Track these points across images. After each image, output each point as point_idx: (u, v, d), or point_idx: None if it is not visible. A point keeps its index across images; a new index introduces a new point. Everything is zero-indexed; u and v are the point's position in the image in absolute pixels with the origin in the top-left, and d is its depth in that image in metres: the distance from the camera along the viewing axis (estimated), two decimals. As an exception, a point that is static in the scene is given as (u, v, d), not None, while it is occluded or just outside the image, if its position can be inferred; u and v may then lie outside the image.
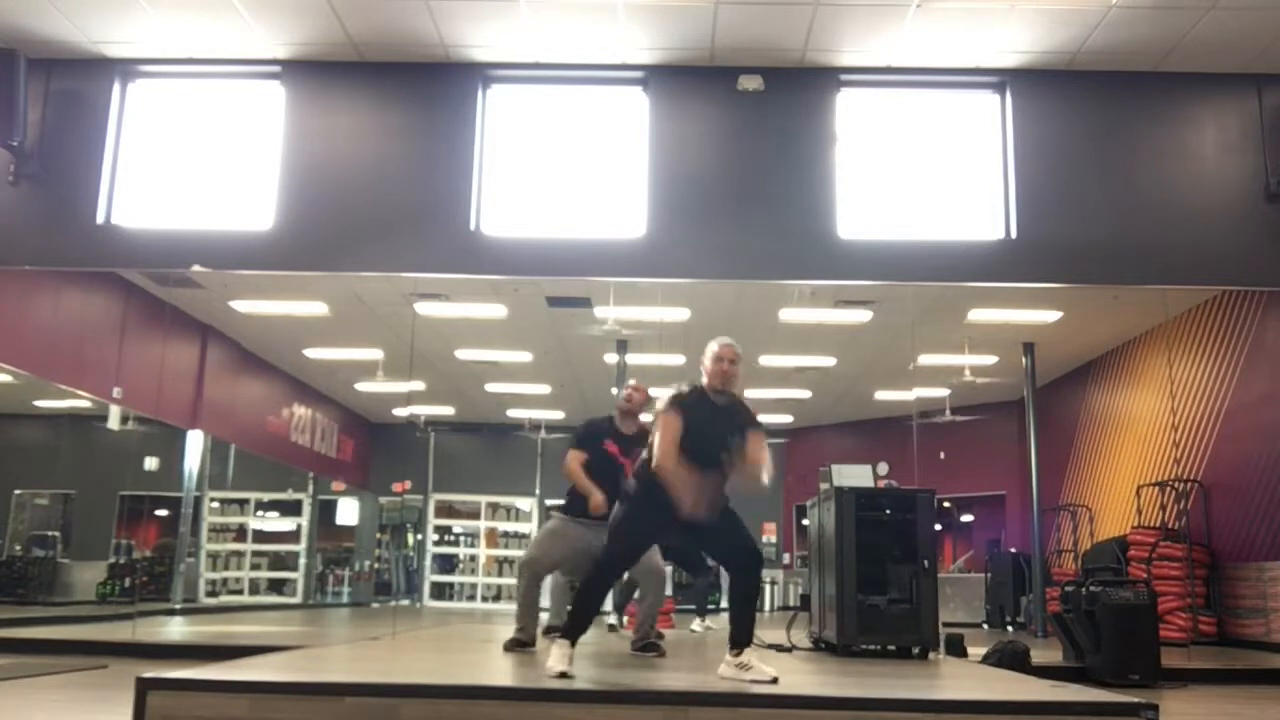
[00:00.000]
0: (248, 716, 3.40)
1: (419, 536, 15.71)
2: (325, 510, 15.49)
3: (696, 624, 8.70)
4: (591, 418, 5.87)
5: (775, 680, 3.97)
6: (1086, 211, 7.54)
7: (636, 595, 6.00)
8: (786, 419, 14.61)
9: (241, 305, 10.07)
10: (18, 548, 12.48)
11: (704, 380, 4.44)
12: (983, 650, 6.80)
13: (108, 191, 7.70)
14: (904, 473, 8.19)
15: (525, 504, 15.70)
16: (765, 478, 4.28)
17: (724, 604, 8.55)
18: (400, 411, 14.12)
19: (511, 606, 6.31)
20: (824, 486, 6.91)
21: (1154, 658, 6.63)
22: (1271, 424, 8.91)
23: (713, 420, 4.34)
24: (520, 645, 5.56)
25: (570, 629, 4.29)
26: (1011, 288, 7.92)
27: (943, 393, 11.96)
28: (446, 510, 16.08)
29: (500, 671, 4.64)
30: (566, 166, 7.91)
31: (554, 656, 4.09)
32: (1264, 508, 9.01)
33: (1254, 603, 9.15)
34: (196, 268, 7.72)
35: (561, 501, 5.79)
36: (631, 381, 5.90)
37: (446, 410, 14.30)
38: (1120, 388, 11.39)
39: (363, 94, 7.89)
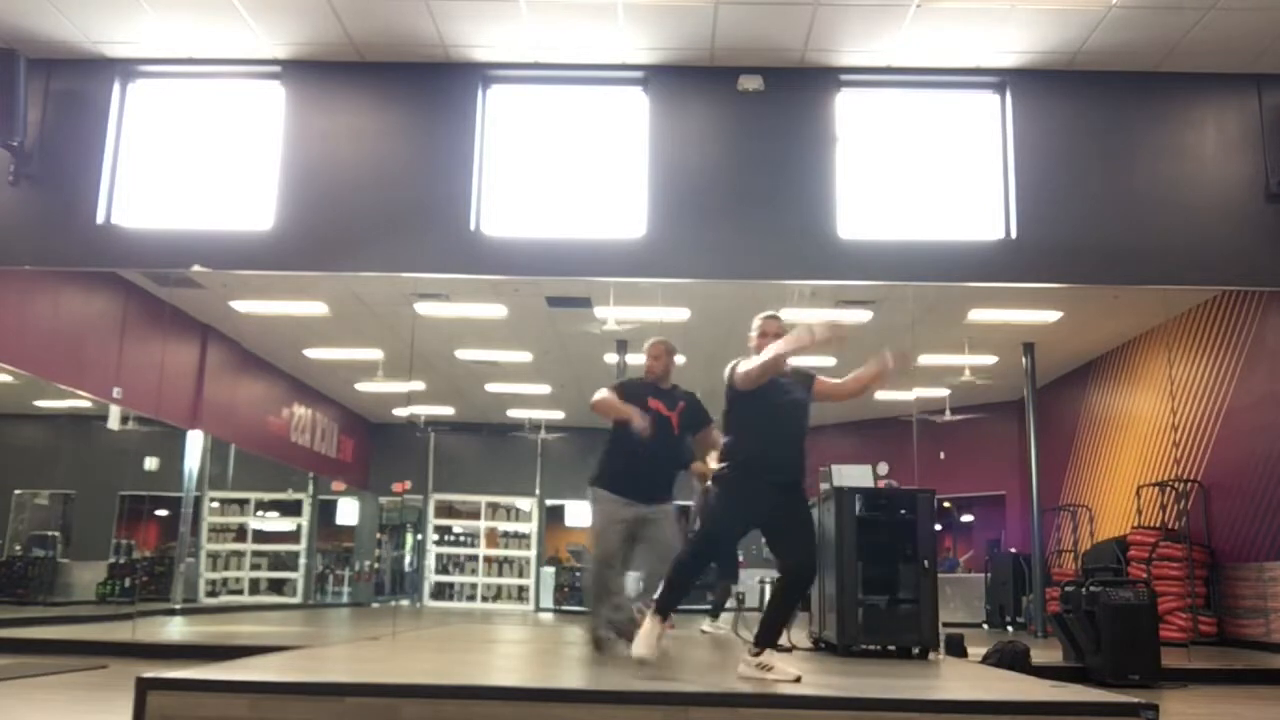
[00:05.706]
0: (248, 716, 3.39)
1: (419, 536, 15.70)
2: (325, 510, 15.47)
3: (708, 624, 8.66)
4: (626, 378, 5.69)
5: (799, 679, 3.97)
6: (1086, 211, 7.54)
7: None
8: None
9: (241, 305, 10.07)
10: (18, 548, 12.46)
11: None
12: (983, 650, 6.79)
13: (108, 191, 7.71)
14: (904, 473, 8.19)
15: (525, 504, 15.68)
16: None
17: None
18: (400, 411, 14.10)
19: (511, 607, 6.26)
20: (824, 486, 6.91)
21: (1154, 658, 6.62)
22: (1271, 424, 8.90)
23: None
24: (598, 644, 5.33)
25: (662, 603, 4.34)
26: (1011, 288, 7.92)
27: (943, 393, 11.96)
28: (446, 510, 16.07)
29: (500, 671, 4.64)
30: (566, 166, 7.91)
31: (642, 635, 4.16)
32: (1264, 508, 9.00)
33: (1254, 603, 9.14)
34: (196, 268, 7.72)
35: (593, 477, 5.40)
36: (650, 347, 5.52)
37: (446, 410, 14.29)
38: (1120, 388, 11.38)
39: (363, 94, 7.90)
